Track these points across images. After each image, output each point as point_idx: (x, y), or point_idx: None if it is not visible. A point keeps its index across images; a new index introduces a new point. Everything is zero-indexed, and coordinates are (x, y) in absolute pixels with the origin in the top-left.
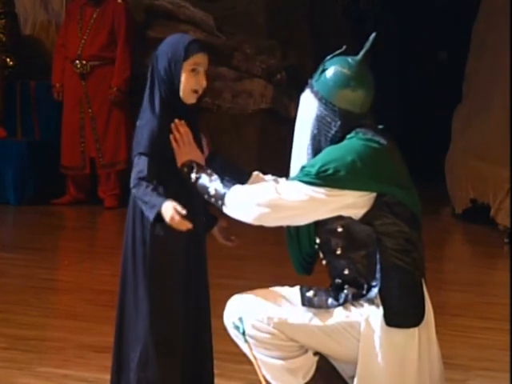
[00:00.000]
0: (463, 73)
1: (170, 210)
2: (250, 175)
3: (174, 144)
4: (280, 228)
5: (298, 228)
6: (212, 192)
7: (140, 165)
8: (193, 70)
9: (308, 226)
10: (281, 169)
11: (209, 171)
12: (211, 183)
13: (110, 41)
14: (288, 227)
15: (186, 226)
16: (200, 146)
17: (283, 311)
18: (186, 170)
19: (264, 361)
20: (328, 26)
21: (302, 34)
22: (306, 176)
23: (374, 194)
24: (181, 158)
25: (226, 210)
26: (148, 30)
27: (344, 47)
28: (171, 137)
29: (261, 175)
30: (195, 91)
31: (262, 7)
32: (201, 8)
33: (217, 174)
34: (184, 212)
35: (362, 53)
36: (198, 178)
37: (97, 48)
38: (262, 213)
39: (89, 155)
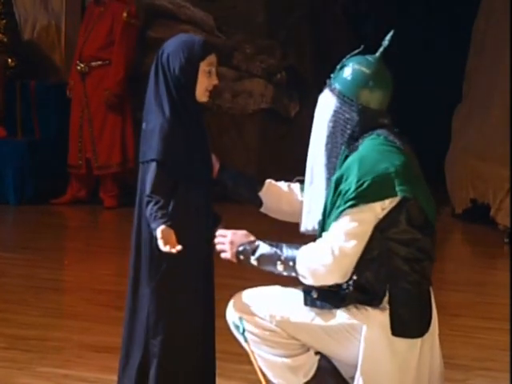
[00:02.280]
0: (463, 72)
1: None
2: (262, 184)
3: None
4: (280, 227)
5: None
6: (280, 269)
7: (151, 177)
8: (208, 71)
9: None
10: (281, 168)
11: (263, 249)
12: (274, 261)
13: (109, 42)
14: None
15: (171, 248)
16: (208, 146)
17: (286, 309)
18: (242, 258)
19: (265, 358)
20: (328, 25)
21: (301, 33)
22: (346, 203)
23: (399, 198)
24: (232, 257)
25: (306, 282)
26: (148, 30)
27: (362, 47)
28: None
29: (273, 182)
30: (208, 90)
31: (262, 7)
32: (201, 8)
33: (269, 243)
34: (159, 236)
35: (380, 51)
36: (259, 261)
37: (95, 48)
38: (336, 269)
39: (85, 155)
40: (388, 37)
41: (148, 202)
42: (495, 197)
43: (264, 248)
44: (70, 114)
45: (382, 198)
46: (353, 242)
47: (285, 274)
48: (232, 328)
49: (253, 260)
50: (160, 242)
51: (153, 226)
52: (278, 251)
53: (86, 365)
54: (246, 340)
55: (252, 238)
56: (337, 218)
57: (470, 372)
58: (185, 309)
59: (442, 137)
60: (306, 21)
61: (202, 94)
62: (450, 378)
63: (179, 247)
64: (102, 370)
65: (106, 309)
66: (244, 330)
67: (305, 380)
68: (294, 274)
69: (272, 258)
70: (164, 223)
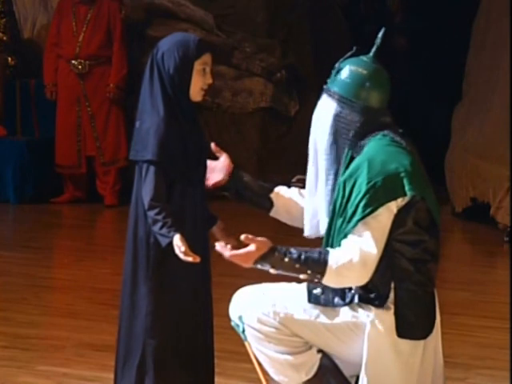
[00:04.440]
0: (463, 72)
1: (175, 248)
2: (272, 190)
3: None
4: (280, 227)
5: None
6: (303, 277)
7: (150, 180)
8: (203, 70)
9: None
10: (281, 167)
11: (280, 257)
12: (298, 273)
13: (107, 40)
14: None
15: (194, 259)
16: (203, 145)
17: (289, 306)
18: (260, 267)
19: (268, 355)
20: (328, 24)
21: (301, 32)
22: (361, 210)
23: (408, 198)
24: (248, 260)
25: (333, 286)
26: (148, 29)
27: (354, 49)
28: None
29: (283, 190)
30: (203, 89)
31: (262, 6)
32: (200, 7)
33: (284, 252)
34: (183, 248)
35: (373, 50)
36: (278, 270)
37: (95, 47)
38: (363, 274)
39: (85, 154)
40: (380, 35)
41: (152, 207)
42: (495, 195)
43: (283, 261)
44: (60, 115)
45: (395, 198)
46: (375, 245)
47: (307, 281)
48: (233, 326)
49: (272, 271)
50: (179, 251)
51: (162, 231)
52: (297, 258)
53: (86, 363)
54: (245, 339)
55: (270, 252)
56: (355, 225)
57: (469, 371)
58: (183, 308)
59: (442, 136)
60: (306, 20)
61: (196, 93)
62: (449, 377)
63: (198, 259)
64: (101, 368)
65: (105, 307)
66: (244, 330)
67: (307, 378)
68: (316, 281)
69: (294, 270)
70: (177, 230)
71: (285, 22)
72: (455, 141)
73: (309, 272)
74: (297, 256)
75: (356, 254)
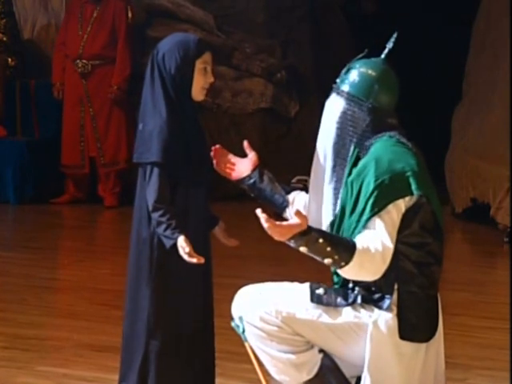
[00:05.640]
0: (463, 72)
1: (180, 249)
2: (290, 192)
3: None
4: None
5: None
6: (327, 262)
7: (154, 182)
8: (204, 69)
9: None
10: (281, 168)
11: (316, 237)
12: (324, 255)
13: (111, 40)
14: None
15: (198, 260)
16: (205, 145)
17: (292, 305)
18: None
19: (270, 354)
20: (328, 25)
21: (301, 33)
22: (370, 209)
23: (415, 198)
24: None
25: (350, 276)
26: (148, 30)
27: (366, 51)
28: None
29: (301, 194)
30: (205, 88)
31: (262, 6)
32: (200, 7)
33: (320, 233)
34: (188, 249)
35: (385, 52)
36: (308, 251)
37: (98, 47)
38: (380, 271)
39: (88, 154)
40: (392, 39)
41: (156, 209)
42: (495, 196)
43: (315, 244)
44: (65, 114)
45: (402, 196)
46: (391, 240)
47: (329, 265)
48: (233, 327)
49: (302, 249)
50: (183, 252)
51: (167, 233)
52: (333, 250)
53: (85, 364)
54: (245, 339)
55: (304, 228)
56: (365, 224)
57: (469, 371)
58: (185, 309)
59: (442, 136)
60: (306, 20)
61: (198, 92)
62: (449, 378)
63: (203, 260)
64: (101, 369)
65: (105, 308)
66: (244, 330)
67: (308, 377)
68: (337, 268)
69: (323, 255)
70: (181, 232)
71: (285, 22)
72: (455, 141)
73: (336, 257)
74: (330, 239)
75: (379, 247)
